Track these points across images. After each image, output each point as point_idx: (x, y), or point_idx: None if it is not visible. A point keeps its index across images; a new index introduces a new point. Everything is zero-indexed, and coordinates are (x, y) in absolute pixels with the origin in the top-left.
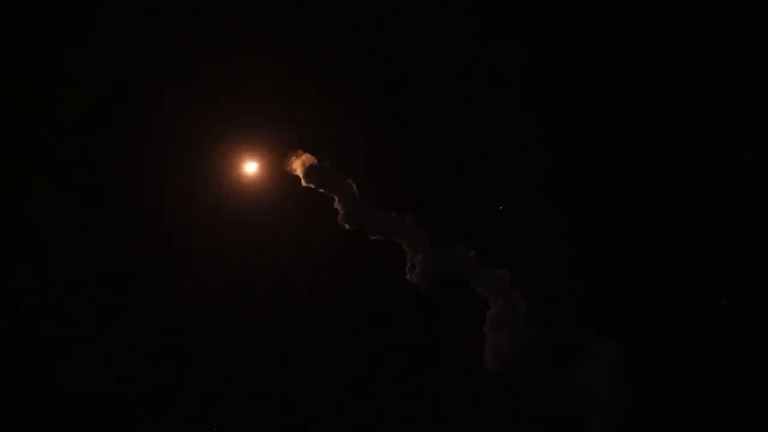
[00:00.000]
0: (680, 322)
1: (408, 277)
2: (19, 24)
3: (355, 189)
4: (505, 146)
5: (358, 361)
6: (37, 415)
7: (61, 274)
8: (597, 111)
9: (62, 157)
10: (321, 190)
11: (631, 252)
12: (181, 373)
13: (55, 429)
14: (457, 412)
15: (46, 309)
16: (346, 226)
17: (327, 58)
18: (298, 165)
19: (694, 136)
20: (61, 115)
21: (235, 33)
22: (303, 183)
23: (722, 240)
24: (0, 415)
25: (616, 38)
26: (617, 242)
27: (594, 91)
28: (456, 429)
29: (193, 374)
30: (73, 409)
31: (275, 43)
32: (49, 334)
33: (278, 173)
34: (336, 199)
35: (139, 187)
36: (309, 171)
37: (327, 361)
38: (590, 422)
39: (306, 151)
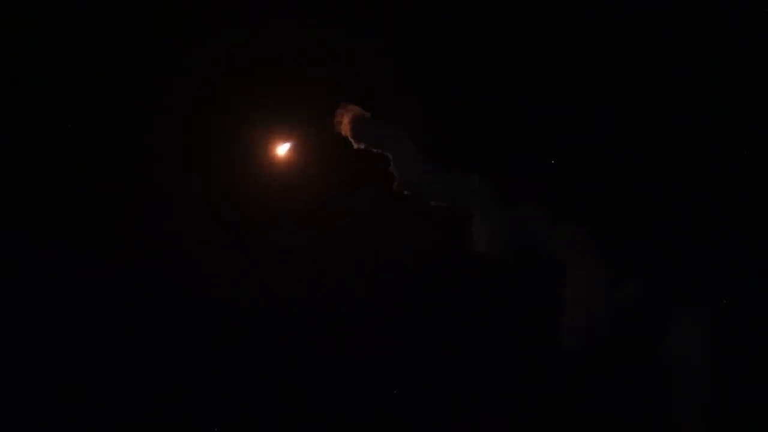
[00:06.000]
0: None
1: (477, 248)
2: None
3: (413, 147)
4: (572, 92)
5: (425, 339)
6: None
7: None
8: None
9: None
10: (374, 150)
11: (727, 204)
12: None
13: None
14: (534, 389)
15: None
16: (404, 192)
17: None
18: (347, 122)
19: None
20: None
21: None
22: (354, 145)
23: None
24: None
25: None
26: (709, 194)
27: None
28: (534, 407)
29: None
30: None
31: None
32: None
33: (325, 134)
34: (391, 163)
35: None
36: (360, 127)
37: (394, 340)
38: (678, 401)
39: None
